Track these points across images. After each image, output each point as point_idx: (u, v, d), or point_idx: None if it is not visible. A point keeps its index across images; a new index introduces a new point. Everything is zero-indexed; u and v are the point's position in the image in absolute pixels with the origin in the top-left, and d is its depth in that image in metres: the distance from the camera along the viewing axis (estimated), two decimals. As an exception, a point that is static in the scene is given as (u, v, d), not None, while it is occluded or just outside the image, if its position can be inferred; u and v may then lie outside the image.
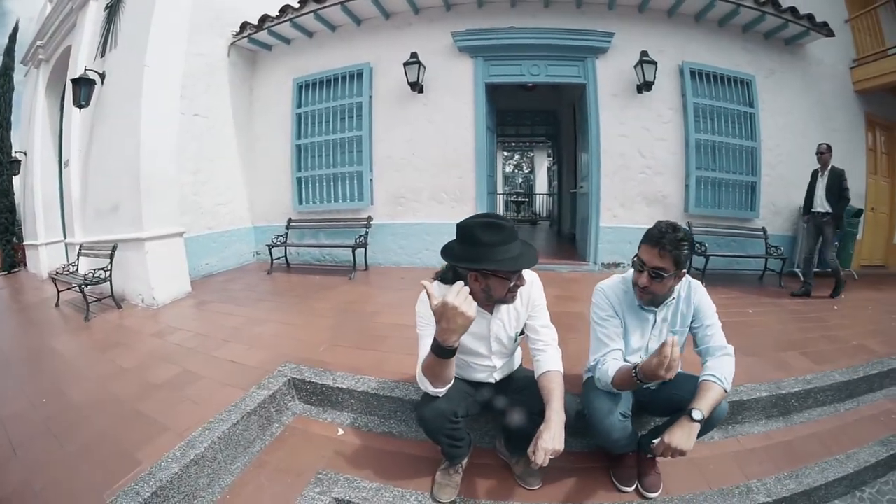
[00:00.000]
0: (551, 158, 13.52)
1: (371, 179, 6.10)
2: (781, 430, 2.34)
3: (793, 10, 5.32)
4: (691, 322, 1.82)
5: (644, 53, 5.28)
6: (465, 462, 1.92)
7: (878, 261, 7.16)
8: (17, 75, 10.21)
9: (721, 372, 1.60)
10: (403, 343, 3.07)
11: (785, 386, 2.47)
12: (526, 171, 21.38)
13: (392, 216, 6.12)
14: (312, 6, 5.67)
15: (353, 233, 5.91)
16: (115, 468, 1.83)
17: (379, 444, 2.19)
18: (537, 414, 1.59)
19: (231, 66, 6.36)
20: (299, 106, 6.42)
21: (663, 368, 1.41)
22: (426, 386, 1.56)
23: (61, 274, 5.17)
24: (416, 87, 5.70)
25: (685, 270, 1.69)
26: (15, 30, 11.56)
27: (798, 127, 5.94)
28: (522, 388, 1.84)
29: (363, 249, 5.83)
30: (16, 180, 9.89)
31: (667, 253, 1.57)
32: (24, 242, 9.05)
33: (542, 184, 16.52)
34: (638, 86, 5.47)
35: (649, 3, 5.33)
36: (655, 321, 1.84)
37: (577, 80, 5.75)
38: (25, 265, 9.42)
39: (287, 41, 6.45)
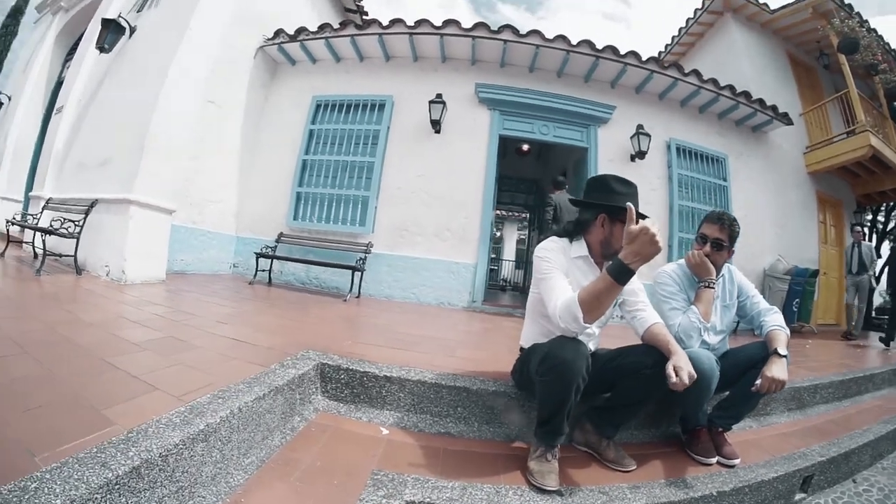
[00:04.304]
0: (527, 230, 14.48)
1: (376, 207, 5.96)
2: (802, 419, 2.68)
3: (760, 101, 6.56)
4: (738, 296, 2.19)
5: (640, 126, 6.08)
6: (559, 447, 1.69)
7: (831, 319, 8.13)
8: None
9: (780, 322, 1.96)
10: (443, 347, 2.77)
11: (797, 382, 2.90)
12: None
13: (391, 247, 5.91)
14: (352, 30, 5.95)
15: (349, 257, 5.56)
16: (65, 423, 1.20)
17: (438, 444, 1.80)
18: (649, 367, 1.65)
19: (254, 69, 6.25)
20: (314, 122, 6.34)
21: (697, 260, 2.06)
22: (577, 316, 1.46)
23: (16, 222, 4.20)
24: (436, 125, 5.94)
25: (733, 250, 2.11)
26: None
27: (761, 201, 6.93)
28: (617, 355, 1.82)
29: (359, 275, 5.43)
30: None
31: (725, 227, 2.04)
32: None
33: (509, 253, 17.96)
34: (632, 155, 6.20)
35: (645, 87, 6.31)
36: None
37: (580, 144, 6.37)
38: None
39: (313, 60, 6.57)
